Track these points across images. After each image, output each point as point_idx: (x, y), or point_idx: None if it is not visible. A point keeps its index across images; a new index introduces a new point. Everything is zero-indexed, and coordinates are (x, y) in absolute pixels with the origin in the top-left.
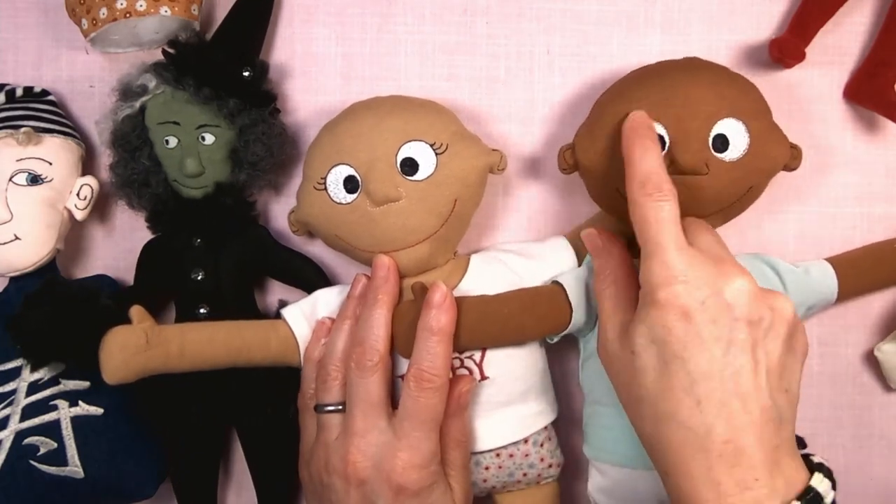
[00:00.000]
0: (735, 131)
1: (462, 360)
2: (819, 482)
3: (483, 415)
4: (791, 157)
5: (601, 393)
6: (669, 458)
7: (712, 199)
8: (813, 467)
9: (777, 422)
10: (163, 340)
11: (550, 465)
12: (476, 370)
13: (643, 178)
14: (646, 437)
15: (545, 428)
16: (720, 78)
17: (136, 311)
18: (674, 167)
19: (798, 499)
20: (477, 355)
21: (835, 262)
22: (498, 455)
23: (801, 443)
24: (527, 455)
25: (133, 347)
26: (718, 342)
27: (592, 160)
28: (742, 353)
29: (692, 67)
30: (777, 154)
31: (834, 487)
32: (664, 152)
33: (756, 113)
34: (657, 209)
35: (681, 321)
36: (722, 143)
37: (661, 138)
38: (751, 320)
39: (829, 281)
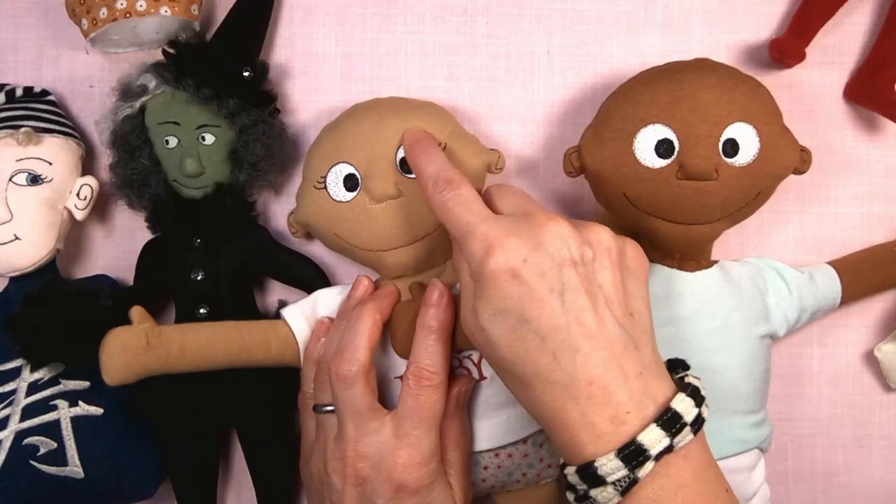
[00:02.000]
0: (745, 136)
1: (460, 360)
2: (680, 401)
3: (482, 415)
4: (801, 161)
5: None
6: (547, 414)
7: (721, 204)
8: (681, 388)
9: (632, 348)
10: (163, 341)
11: (550, 466)
12: (474, 370)
13: (433, 179)
14: (522, 401)
15: None
16: (730, 81)
17: (136, 312)
18: (682, 172)
19: (655, 421)
20: (475, 355)
21: (838, 266)
22: (497, 455)
23: (683, 365)
24: (525, 455)
25: (134, 349)
26: (552, 293)
27: (599, 164)
28: (578, 296)
29: (701, 69)
30: (787, 158)
31: (699, 405)
32: (673, 158)
33: (767, 116)
34: (455, 197)
35: (513, 285)
36: (732, 147)
37: (670, 142)
38: (574, 260)
39: (833, 286)
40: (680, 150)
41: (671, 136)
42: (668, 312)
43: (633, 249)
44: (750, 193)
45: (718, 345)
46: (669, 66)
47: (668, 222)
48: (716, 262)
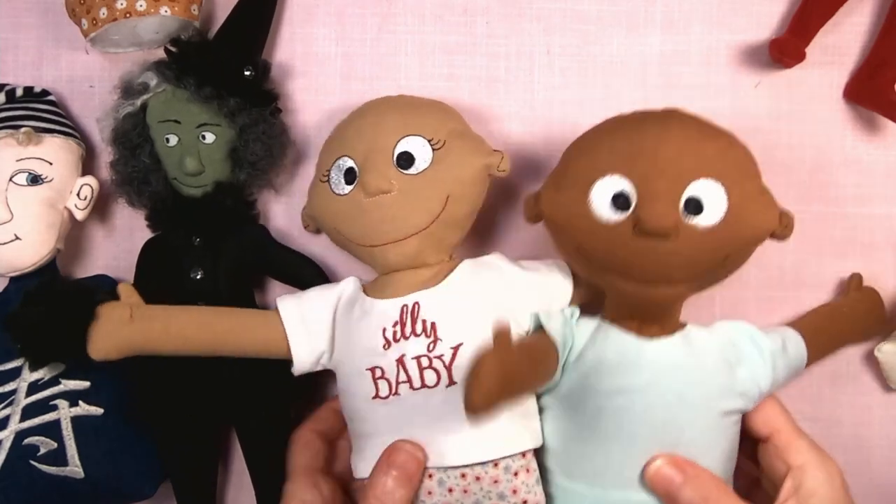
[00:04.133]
0: (712, 194)
1: (431, 360)
2: None
3: (450, 424)
4: (780, 226)
5: (571, 461)
6: None
7: (681, 266)
8: None
9: None
10: (146, 317)
11: (525, 502)
12: (444, 373)
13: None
14: None
15: (522, 455)
16: (698, 133)
17: (123, 288)
18: (638, 228)
19: None
20: (447, 356)
21: (802, 331)
22: (464, 476)
23: None
24: (496, 482)
25: (117, 320)
26: None
27: (554, 212)
28: None
29: (667, 120)
30: (761, 222)
31: None
32: (629, 212)
33: (740, 175)
34: None
35: None
36: (695, 206)
37: (626, 196)
38: None
39: (801, 355)
40: (637, 205)
41: (629, 188)
42: (618, 380)
43: None
44: (716, 257)
45: (671, 419)
46: (636, 114)
47: (625, 280)
48: (685, 325)
